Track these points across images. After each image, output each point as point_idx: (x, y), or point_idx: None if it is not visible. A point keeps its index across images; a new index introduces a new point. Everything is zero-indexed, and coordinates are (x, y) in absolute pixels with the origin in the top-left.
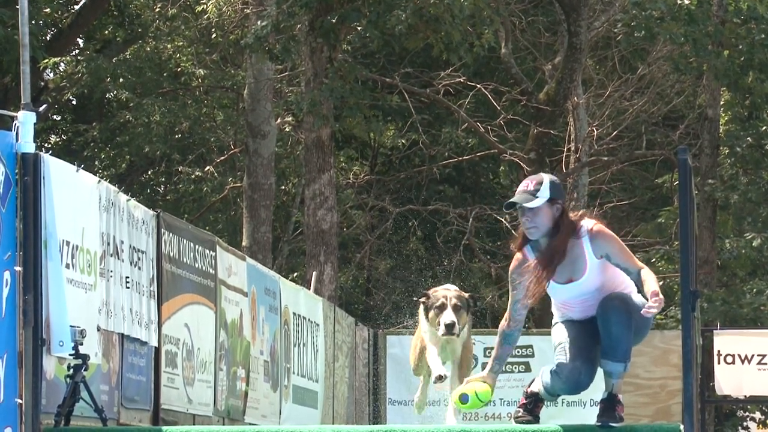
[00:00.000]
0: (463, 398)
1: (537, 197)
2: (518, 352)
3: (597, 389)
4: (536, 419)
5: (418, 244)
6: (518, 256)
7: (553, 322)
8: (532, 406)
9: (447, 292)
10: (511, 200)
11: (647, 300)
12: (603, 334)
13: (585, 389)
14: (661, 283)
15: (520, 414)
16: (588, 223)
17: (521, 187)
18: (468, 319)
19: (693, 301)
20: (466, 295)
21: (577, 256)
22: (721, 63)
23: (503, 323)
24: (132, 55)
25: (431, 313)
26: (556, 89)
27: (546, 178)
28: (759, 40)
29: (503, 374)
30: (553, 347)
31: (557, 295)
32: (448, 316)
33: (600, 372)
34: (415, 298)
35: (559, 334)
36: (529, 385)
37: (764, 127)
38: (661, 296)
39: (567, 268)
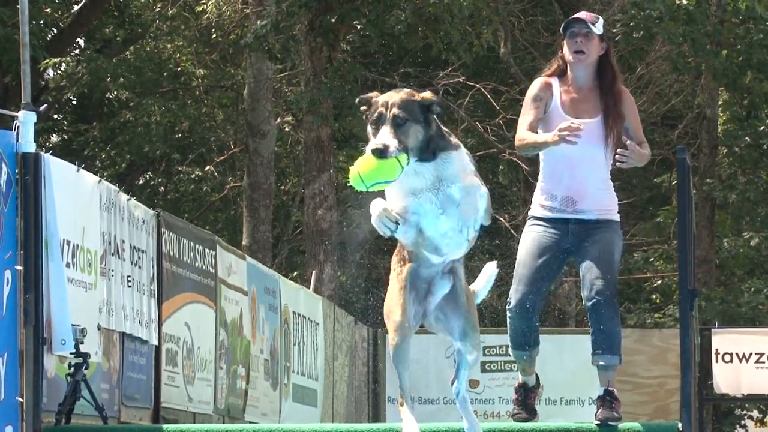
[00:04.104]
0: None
1: (596, 26)
2: None
3: (595, 387)
4: (533, 411)
5: None
6: (546, 80)
7: (527, 221)
8: (523, 398)
9: (393, 95)
10: (576, 16)
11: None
12: (595, 330)
13: (534, 313)
14: (659, 282)
15: (515, 411)
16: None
17: (580, 14)
18: (425, 141)
19: (691, 299)
20: (426, 96)
21: (596, 96)
22: (719, 63)
23: (518, 138)
24: (132, 55)
25: (369, 129)
26: None
27: (601, 18)
28: (757, 40)
29: (501, 372)
30: None
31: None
32: (381, 137)
33: (587, 365)
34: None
35: (518, 254)
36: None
37: (762, 127)
38: (639, 151)
39: (582, 102)
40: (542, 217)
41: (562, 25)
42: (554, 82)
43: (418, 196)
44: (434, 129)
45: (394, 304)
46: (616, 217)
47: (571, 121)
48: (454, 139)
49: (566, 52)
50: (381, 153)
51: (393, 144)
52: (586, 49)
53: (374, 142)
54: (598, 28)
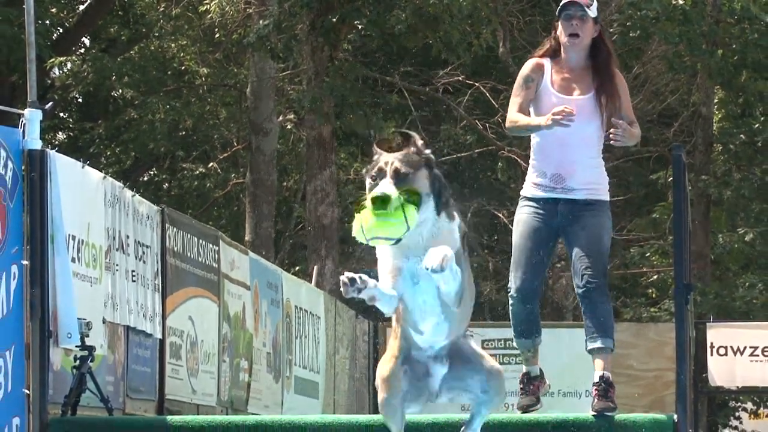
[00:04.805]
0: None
1: (591, 9)
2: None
3: (591, 379)
4: (537, 399)
5: None
6: (538, 61)
7: (519, 201)
8: (527, 386)
9: (394, 153)
10: (571, 0)
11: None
12: (588, 316)
13: (535, 297)
14: (655, 276)
15: (520, 398)
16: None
17: None
18: (430, 189)
19: (686, 294)
20: (426, 151)
21: (589, 75)
22: (714, 62)
23: (509, 120)
24: (136, 54)
25: (367, 184)
26: None
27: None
28: (752, 39)
29: (500, 365)
30: None
31: (550, 108)
32: (381, 186)
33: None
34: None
35: (513, 239)
36: None
37: (757, 125)
38: (630, 130)
39: (573, 82)
40: (532, 197)
41: (558, 7)
42: (546, 62)
43: (408, 260)
44: (441, 183)
45: (384, 362)
46: (605, 197)
47: (565, 106)
48: (454, 209)
49: (561, 34)
50: (382, 201)
51: (395, 193)
52: (581, 32)
53: (375, 191)
54: (593, 11)
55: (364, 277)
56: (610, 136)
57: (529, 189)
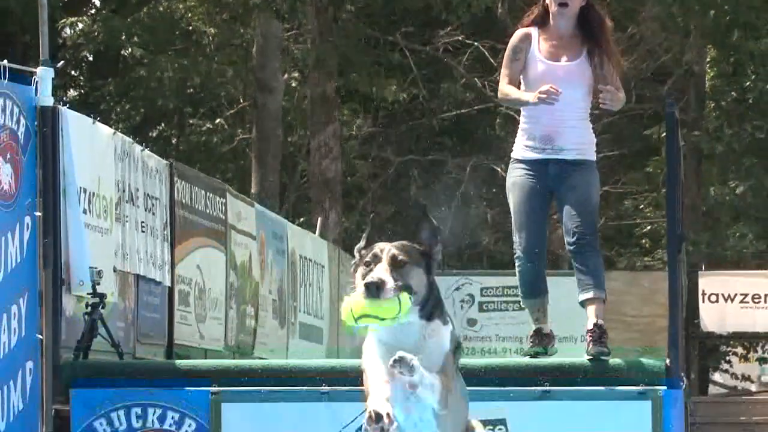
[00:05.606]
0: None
1: None
2: (513, 291)
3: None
4: (545, 350)
5: (418, 192)
6: (526, 30)
7: (510, 164)
8: (537, 339)
9: (389, 244)
10: None
11: None
12: (580, 270)
13: (541, 257)
14: (648, 227)
15: (529, 348)
16: None
17: None
18: (425, 289)
19: (679, 243)
20: (421, 247)
21: (578, 41)
22: (707, 22)
23: (500, 92)
24: (146, 15)
25: (359, 271)
26: None
27: None
28: (744, 0)
29: (497, 312)
30: None
31: (537, 75)
32: (377, 271)
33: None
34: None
35: (510, 203)
36: None
37: (748, 83)
38: (617, 94)
39: (561, 48)
40: (523, 159)
41: None
42: (534, 31)
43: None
44: (435, 285)
45: None
46: (592, 156)
47: (551, 86)
48: (447, 315)
49: (550, 3)
50: (377, 288)
51: (390, 281)
52: (570, 2)
53: (368, 277)
54: None
55: (392, 415)
56: (599, 99)
57: (519, 151)
